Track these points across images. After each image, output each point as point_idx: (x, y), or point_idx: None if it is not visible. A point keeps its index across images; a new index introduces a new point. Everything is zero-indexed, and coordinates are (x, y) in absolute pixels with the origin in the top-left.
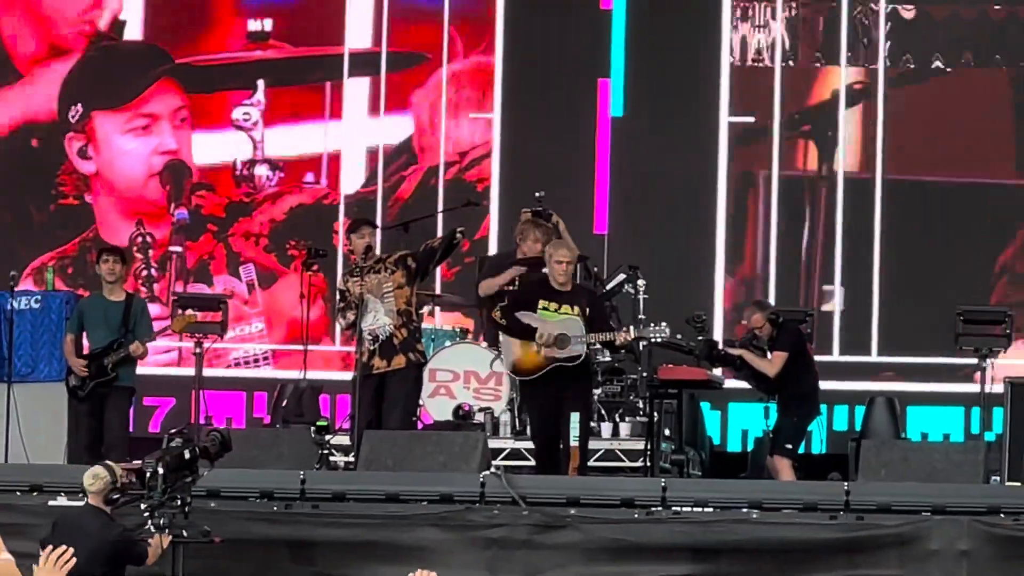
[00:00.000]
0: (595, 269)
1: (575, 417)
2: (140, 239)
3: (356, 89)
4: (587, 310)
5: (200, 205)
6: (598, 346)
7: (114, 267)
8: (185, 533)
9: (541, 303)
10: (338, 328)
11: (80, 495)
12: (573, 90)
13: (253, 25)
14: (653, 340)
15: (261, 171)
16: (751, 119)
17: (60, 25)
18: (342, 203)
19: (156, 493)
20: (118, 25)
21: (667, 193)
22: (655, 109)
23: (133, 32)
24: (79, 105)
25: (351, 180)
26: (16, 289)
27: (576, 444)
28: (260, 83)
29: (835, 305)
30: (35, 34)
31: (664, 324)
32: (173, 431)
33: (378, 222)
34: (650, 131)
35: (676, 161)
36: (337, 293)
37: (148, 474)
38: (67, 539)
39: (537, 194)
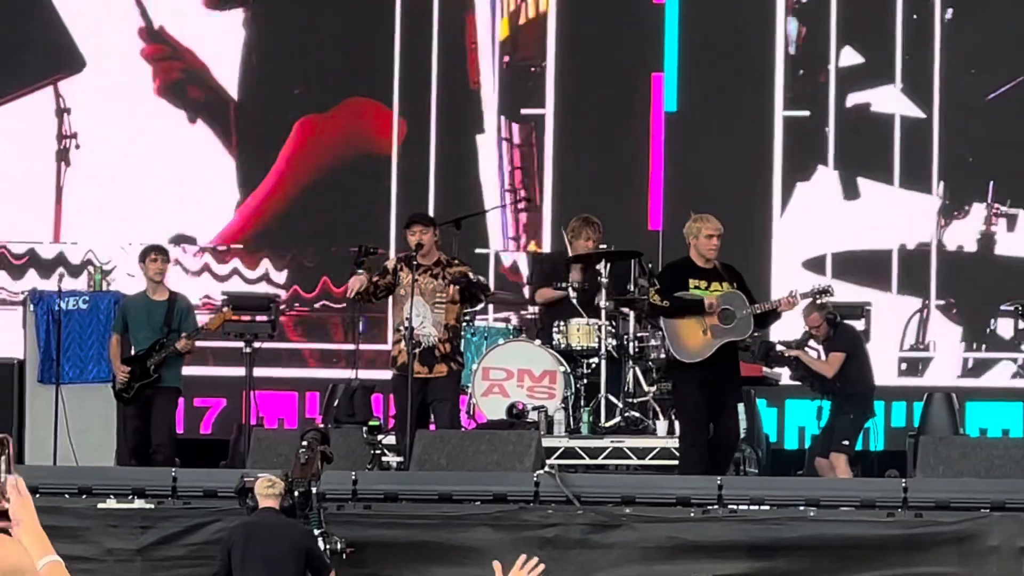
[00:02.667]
0: (650, 265)
1: (741, 408)
2: None
3: None
4: (734, 284)
5: None
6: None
7: (162, 266)
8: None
9: (692, 283)
10: (353, 284)
11: (130, 497)
12: (626, 85)
13: None
14: (820, 301)
15: None
16: (806, 113)
17: None
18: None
19: (314, 516)
20: None
21: (722, 188)
22: (709, 104)
23: None
24: None
25: None
26: (64, 290)
27: (743, 437)
28: None
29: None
30: None
31: (830, 284)
32: (309, 430)
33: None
34: (704, 126)
35: (731, 156)
36: (383, 267)
37: (300, 492)
38: (268, 544)
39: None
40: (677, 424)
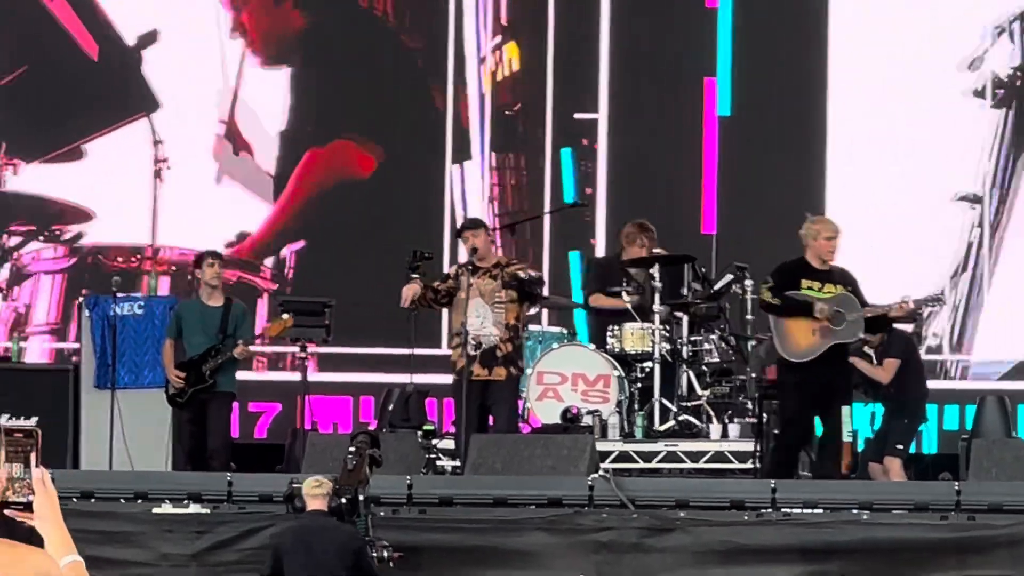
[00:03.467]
0: (703, 269)
1: (846, 411)
2: None
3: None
4: (848, 288)
5: None
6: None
7: (219, 270)
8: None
9: (804, 283)
10: (406, 293)
11: (185, 502)
12: (679, 89)
13: None
14: (933, 309)
15: None
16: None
17: None
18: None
19: (361, 522)
20: None
21: (775, 192)
22: (762, 107)
23: None
24: None
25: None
26: (119, 295)
27: (848, 440)
28: None
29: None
30: None
31: (943, 290)
32: (359, 435)
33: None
34: (757, 130)
35: (784, 160)
36: (444, 274)
37: (347, 499)
38: (316, 546)
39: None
40: (777, 422)
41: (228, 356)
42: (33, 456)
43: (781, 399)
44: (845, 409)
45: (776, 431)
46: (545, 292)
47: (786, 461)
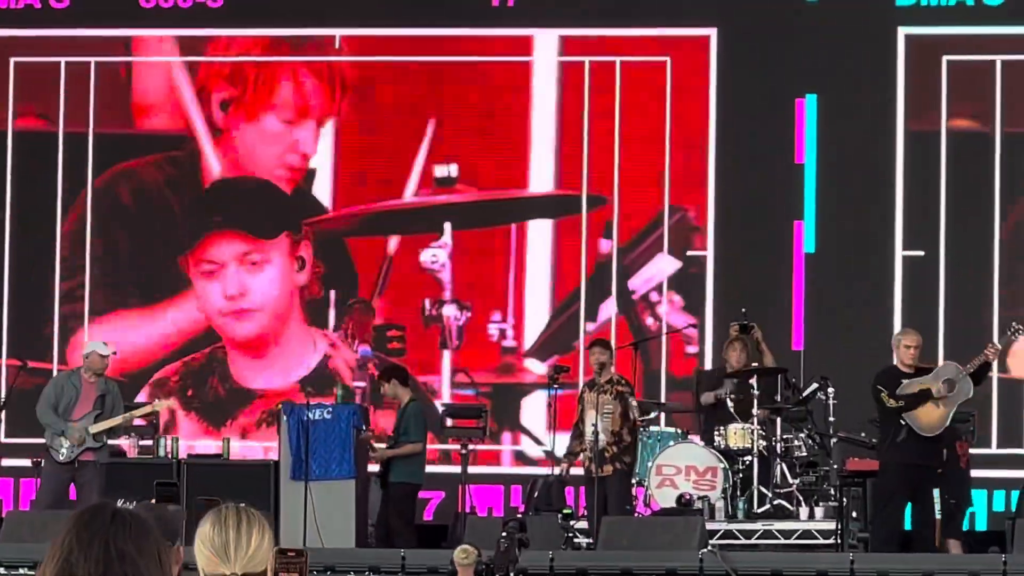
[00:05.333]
0: (793, 380)
1: (937, 493)
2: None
3: (541, 230)
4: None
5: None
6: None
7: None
8: None
9: (903, 381)
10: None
11: (367, 573)
12: (773, 230)
13: (440, 171)
14: (1016, 336)
15: (449, 311)
16: (921, 253)
17: (261, 163)
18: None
19: None
20: (309, 172)
21: (853, 315)
22: (842, 246)
23: (323, 177)
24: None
25: (535, 319)
26: (311, 402)
27: (939, 518)
28: (447, 226)
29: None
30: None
31: (1017, 324)
32: (510, 521)
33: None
34: (838, 264)
35: (860, 288)
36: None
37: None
38: None
39: (743, 310)
40: (876, 501)
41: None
42: (302, 569)
43: (884, 478)
44: (936, 492)
45: (881, 505)
46: (662, 399)
47: (893, 534)
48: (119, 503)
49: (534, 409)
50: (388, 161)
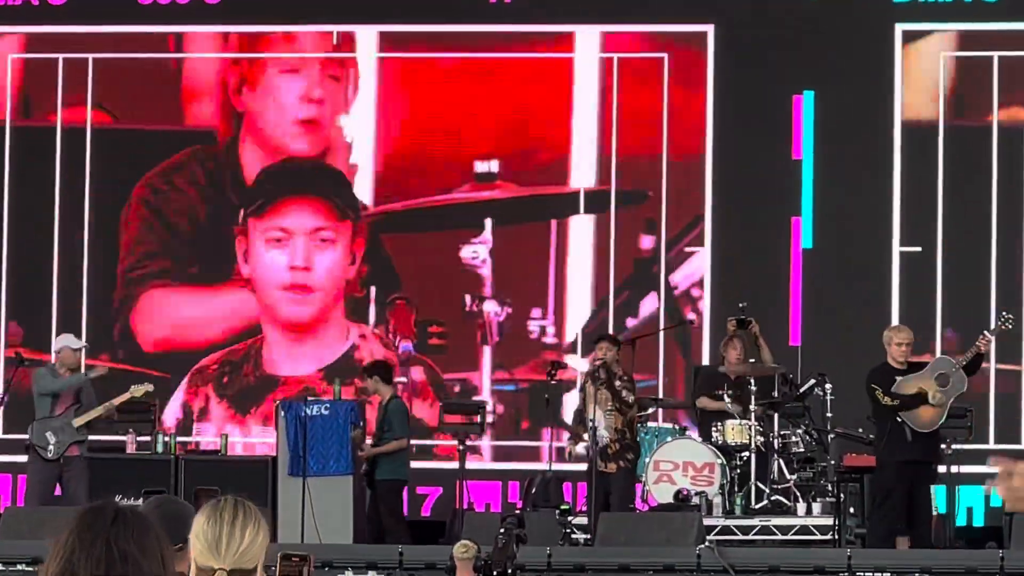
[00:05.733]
0: (791, 376)
1: (934, 489)
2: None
3: (582, 227)
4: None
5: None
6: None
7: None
8: None
9: (896, 378)
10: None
11: (365, 569)
12: (770, 227)
13: (480, 167)
14: (1008, 326)
15: (489, 307)
16: (918, 249)
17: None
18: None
19: None
20: (351, 168)
21: (851, 311)
22: (839, 242)
23: (365, 173)
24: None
25: (577, 315)
26: (309, 399)
27: (935, 514)
28: (487, 222)
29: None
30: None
31: (1008, 313)
32: (508, 517)
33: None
34: (835, 260)
35: (857, 284)
36: (578, 392)
37: (497, 572)
38: None
39: (740, 305)
40: (876, 496)
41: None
42: (306, 573)
43: (882, 475)
44: (933, 488)
45: (879, 501)
46: (660, 395)
47: (891, 529)
48: (117, 500)
49: (574, 406)
50: (428, 158)
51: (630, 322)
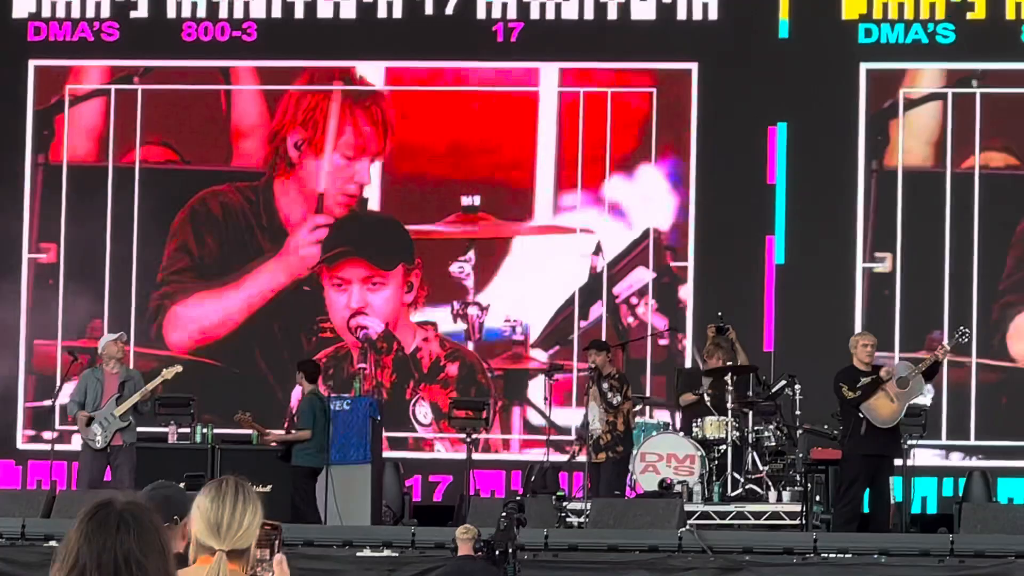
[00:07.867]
0: (764, 377)
1: (892, 480)
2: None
3: (542, 246)
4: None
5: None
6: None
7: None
8: None
9: (862, 381)
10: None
11: (381, 548)
12: (746, 245)
13: (465, 201)
14: (964, 340)
15: (472, 311)
16: (880, 265)
17: (325, 196)
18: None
19: (511, 569)
20: (361, 201)
21: (818, 320)
22: (809, 258)
23: (373, 205)
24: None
25: (539, 317)
26: (331, 395)
27: (893, 502)
28: (471, 253)
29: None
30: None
31: (964, 328)
32: (510, 502)
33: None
34: (805, 275)
35: (824, 296)
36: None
37: (499, 551)
38: None
39: (719, 313)
40: (841, 485)
41: None
42: (276, 543)
43: (846, 466)
44: (892, 479)
45: (843, 490)
46: (647, 392)
47: (853, 515)
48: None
49: (536, 388)
50: (422, 191)
51: (582, 324)
